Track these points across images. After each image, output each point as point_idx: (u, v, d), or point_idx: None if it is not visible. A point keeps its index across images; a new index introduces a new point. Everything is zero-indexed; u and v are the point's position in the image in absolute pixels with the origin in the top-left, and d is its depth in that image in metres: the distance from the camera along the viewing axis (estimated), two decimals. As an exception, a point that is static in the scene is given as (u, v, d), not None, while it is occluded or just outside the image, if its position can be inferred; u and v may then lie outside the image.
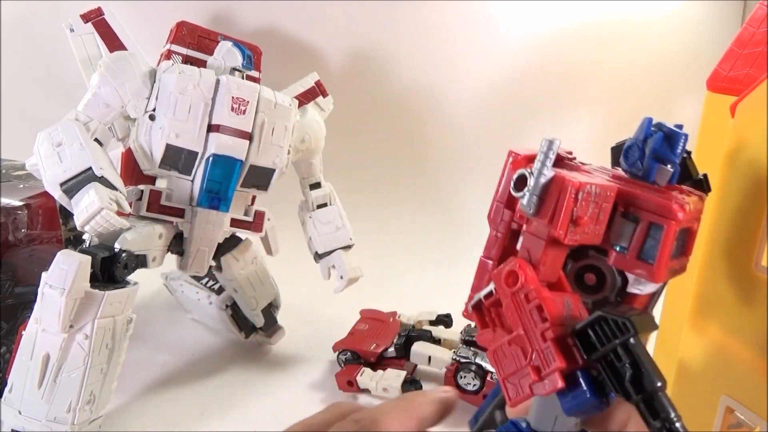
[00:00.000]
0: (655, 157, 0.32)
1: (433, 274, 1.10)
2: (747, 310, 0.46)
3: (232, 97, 0.67)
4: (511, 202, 0.35)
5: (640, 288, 0.34)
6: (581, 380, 0.29)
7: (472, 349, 0.74)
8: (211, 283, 0.83)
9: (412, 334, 0.77)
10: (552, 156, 0.30)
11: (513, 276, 0.30)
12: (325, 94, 0.85)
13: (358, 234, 0.81)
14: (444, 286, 1.07)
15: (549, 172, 0.30)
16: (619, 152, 0.49)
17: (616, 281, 0.35)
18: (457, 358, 0.72)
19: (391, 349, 0.76)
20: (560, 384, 0.28)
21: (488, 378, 0.69)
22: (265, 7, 1.12)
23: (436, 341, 0.78)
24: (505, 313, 0.31)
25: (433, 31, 1.13)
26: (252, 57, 0.74)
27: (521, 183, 0.31)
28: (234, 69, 0.71)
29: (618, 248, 0.33)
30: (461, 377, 0.71)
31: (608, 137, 1.23)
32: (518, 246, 0.35)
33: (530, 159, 0.36)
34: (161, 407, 0.69)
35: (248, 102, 0.68)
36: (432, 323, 0.84)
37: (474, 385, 0.70)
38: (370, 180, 1.18)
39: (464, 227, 1.21)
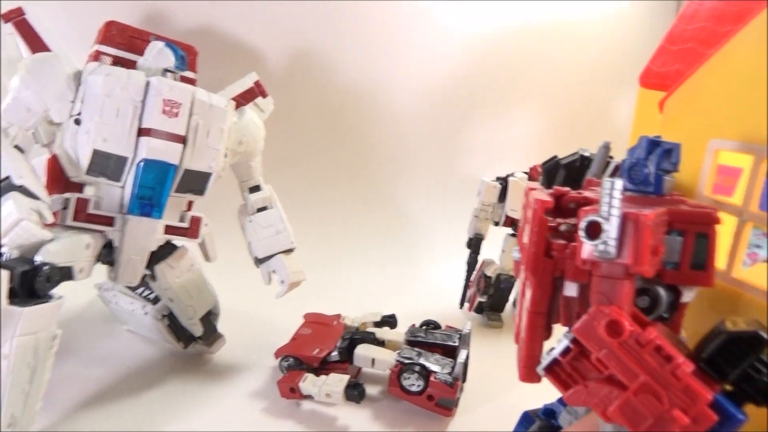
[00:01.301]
0: (661, 170, 0.34)
1: (378, 274, 1.10)
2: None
3: (164, 100, 0.64)
4: (549, 250, 0.34)
5: (690, 295, 0.35)
6: (727, 406, 0.28)
7: (416, 349, 0.73)
8: (146, 292, 0.80)
9: (355, 337, 0.77)
10: (618, 196, 0.30)
11: (616, 325, 0.29)
12: (264, 95, 0.83)
13: (300, 236, 0.80)
14: (389, 286, 1.07)
15: (618, 212, 0.30)
16: (552, 170, 0.51)
17: (670, 297, 0.35)
18: (401, 360, 0.71)
19: (335, 353, 0.75)
20: (714, 417, 0.28)
21: (432, 378, 0.69)
22: (203, 6, 1.09)
23: (380, 343, 0.77)
24: (610, 364, 0.30)
25: (375, 29, 1.13)
26: (186, 57, 0.72)
27: (595, 230, 0.30)
28: (166, 70, 0.69)
29: (670, 265, 0.34)
30: (405, 378, 0.70)
31: (550, 133, 1.25)
32: (566, 292, 0.34)
33: (559, 196, 0.35)
34: (94, 425, 0.66)
35: (181, 104, 0.66)
36: (377, 324, 0.83)
37: (418, 386, 0.70)
38: (313, 181, 1.17)
39: (408, 226, 1.21)
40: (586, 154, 0.67)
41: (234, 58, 1.10)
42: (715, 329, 0.31)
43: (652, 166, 0.35)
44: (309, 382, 0.70)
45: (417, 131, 1.20)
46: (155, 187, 0.66)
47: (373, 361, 0.74)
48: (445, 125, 1.19)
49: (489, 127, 1.20)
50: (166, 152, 0.65)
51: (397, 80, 1.16)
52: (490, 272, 0.94)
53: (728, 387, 0.30)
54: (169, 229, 0.71)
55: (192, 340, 0.79)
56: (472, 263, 0.97)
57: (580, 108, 1.19)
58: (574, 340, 0.31)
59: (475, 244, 0.95)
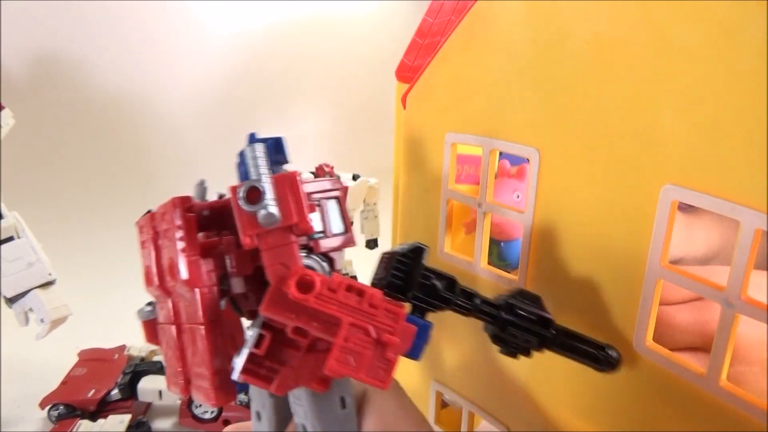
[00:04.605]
0: (275, 164, 0.32)
1: (174, 293, 1.02)
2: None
3: None
4: (204, 251, 0.30)
5: (342, 262, 0.34)
6: (414, 319, 0.29)
7: (207, 372, 0.69)
8: None
9: (138, 369, 0.69)
10: (261, 157, 0.29)
11: (305, 282, 0.28)
12: (0, 107, 0.72)
13: (72, 265, 0.70)
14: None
15: (267, 172, 0.28)
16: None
17: (328, 267, 0.33)
18: (190, 387, 0.66)
19: (115, 391, 0.67)
20: (414, 327, 0.28)
21: (226, 401, 0.64)
22: None
23: (169, 371, 0.71)
24: (310, 326, 0.28)
25: (132, 30, 1.03)
26: None
27: (255, 195, 0.28)
28: None
29: (316, 236, 0.32)
30: (196, 406, 0.65)
31: (337, 124, 1.24)
32: (235, 289, 0.31)
33: (188, 208, 0.32)
34: None
35: None
36: (167, 350, 0.76)
37: (212, 412, 0.65)
38: (82, 201, 1.04)
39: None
40: None
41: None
42: (382, 256, 0.32)
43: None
44: (85, 429, 0.62)
45: (199, 137, 1.13)
46: None
47: (160, 393, 0.68)
48: (228, 127, 1.14)
49: (274, 126, 1.17)
50: None
51: (167, 82, 1.08)
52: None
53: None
54: None
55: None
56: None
57: (360, 100, 1.20)
58: (264, 325, 0.29)
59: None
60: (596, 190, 0.33)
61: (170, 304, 0.32)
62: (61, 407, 0.66)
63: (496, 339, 0.33)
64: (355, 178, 0.92)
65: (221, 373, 0.29)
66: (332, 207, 0.34)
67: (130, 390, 0.68)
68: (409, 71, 0.60)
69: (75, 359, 0.75)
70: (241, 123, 1.16)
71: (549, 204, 0.36)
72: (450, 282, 0.31)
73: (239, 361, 0.29)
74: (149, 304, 0.36)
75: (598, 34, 0.32)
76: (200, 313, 0.29)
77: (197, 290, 0.29)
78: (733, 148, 0.26)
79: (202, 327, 0.29)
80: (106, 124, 1.05)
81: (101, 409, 0.67)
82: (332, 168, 0.89)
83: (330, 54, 1.20)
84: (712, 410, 0.29)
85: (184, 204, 0.30)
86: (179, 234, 0.29)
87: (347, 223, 0.34)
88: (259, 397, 0.35)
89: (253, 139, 0.31)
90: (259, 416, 0.36)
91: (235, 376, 0.29)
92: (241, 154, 0.32)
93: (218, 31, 1.10)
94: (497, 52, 0.38)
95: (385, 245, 0.59)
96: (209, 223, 0.31)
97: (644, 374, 0.32)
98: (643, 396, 0.33)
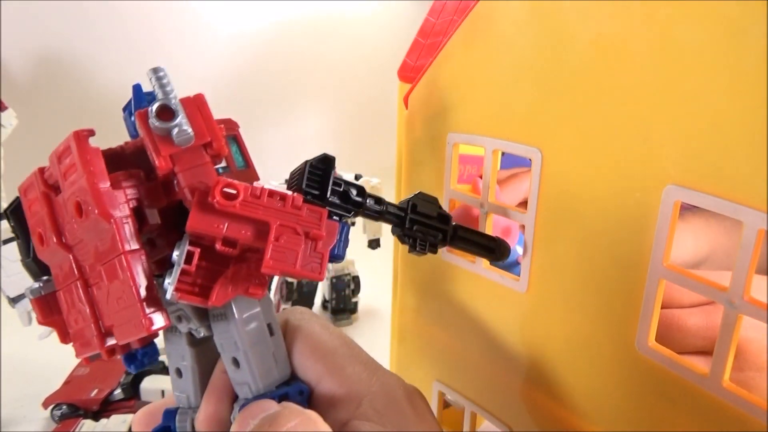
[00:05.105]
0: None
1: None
2: (444, 302, 0.48)
3: None
4: (115, 183, 0.29)
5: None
6: (339, 223, 0.31)
7: (210, 372, 0.69)
8: None
9: (141, 370, 0.69)
10: (164, 78, 0.29)
11: (227, 194, 0.28)
12: (3, 107, 0.72)
13: None
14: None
15: (174, 91, 0.29)
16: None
17: None
18: (193, 387, 0.66)
19: (118, 391, 0.67)
20: (336, 223, 0.31)
21: (229, 401, 0.64)
22: None
23: (172, 371, 0.71)
24: (239, 235, 0.29)
25: (134, 30, 1.04)
26: None
27: (166, 115, 0.28)
28: None
29: (221, 170, 0.33)
30: (198, 407, 0.65)
31: (340, 124, 1.24)
32: (151, 220, 0.30)
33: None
34: None
35: None
36: (170, 350, 0.76)
37: (214, 412, 0.65)
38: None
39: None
40: None
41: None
42: (292, 173, 0.33)
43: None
44: (88, 429, 0.62)
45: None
46: None
47: (162, 393, 0.68)
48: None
49: (276, 126, 1.17)
50: None
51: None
52: (291, 278, 0.92)
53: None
54: None
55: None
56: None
57: (363, 101, 1.21)
58: (191, 242, 0.29)
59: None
60: (599, 190, 0.33)
61: (71, 260, 0.31)
62: (64, 407, 0.66)
63: (403, 238, 0.34)
64: (357, 177, 0.92)
65: (149, 299, 0.28)
66: (231, 144, 0.34)
67: (132, 390, 0.68)
68: (411, 71, 0.60)
69: (77, 359, 0.75)
70: (243, 123, 1.15)
71: (551, 204, 0.36)
72: (360, 189, 0.33)
73: (171, 280, 0.29)
74: (37, 281, 0.35)
75: (601, 34, 0.32)
76: (119, 242, 0.28)
77: (113, 220, 0.28)
78: (736, 148, 0.26)
79: (123, 256, 0.28)
80: (109, 124, 1.05)
81: (104, 408, 0.67)
82: (334, 168, 0.90)
83: (332, 54, 1.20)
84: (714, 411, 0.29)
85: (87, 135, 0.30)
86: (87, 166, 0.29)
87: (248, 160, 0.34)
88: (177, 350, 0.35)
89: (138, 88, 0.31)
90: (179, 373, 0.35)
91: (169, 295, 0.29)
92: (136, 87, 0.31)
93: (221, 31, 1.10)
94: (499, 52, 0.38)
95: (387, 245, 0.59)
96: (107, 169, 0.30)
97: (646, 374, 0.32)
98: (646, 396, 0.33)
